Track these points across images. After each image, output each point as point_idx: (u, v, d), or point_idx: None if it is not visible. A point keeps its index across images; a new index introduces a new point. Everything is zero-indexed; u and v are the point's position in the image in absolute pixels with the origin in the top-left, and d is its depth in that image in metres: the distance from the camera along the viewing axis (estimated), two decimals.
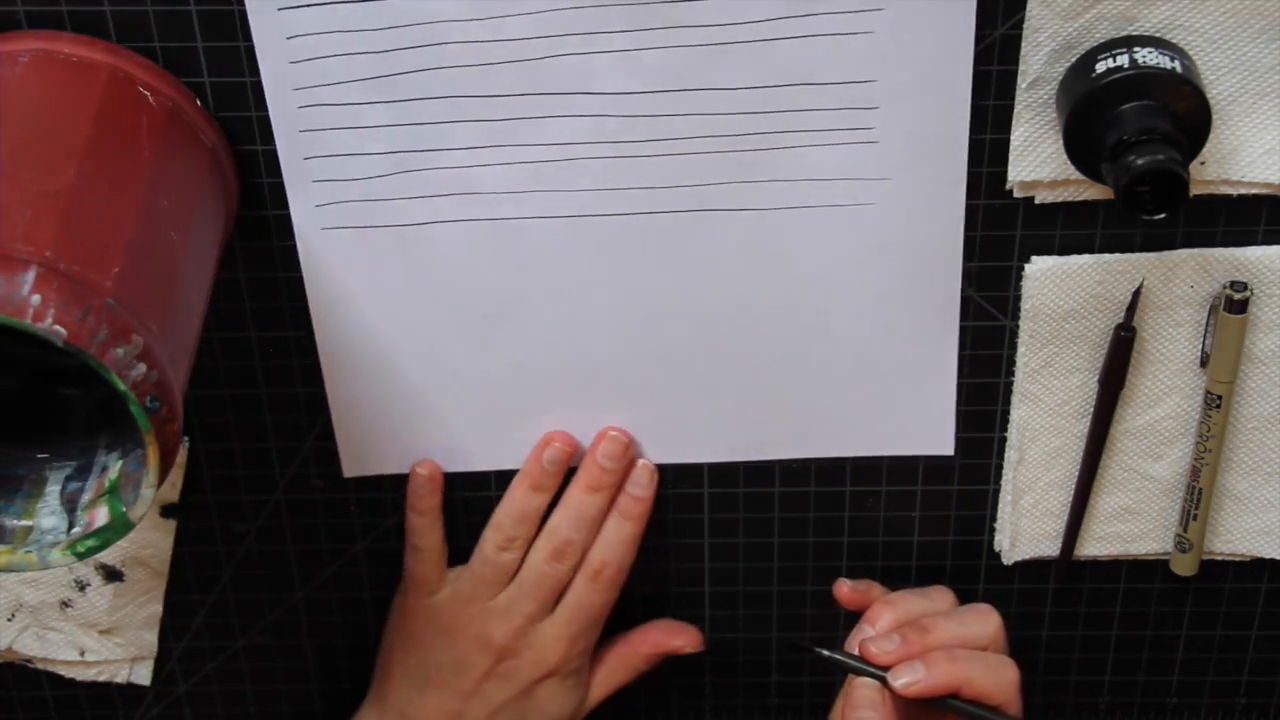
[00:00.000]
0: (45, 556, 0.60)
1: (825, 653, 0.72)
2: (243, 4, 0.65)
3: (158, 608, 0.81)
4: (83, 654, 0.81)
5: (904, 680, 0.70)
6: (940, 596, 0.76)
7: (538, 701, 0.78)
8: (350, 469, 0.78)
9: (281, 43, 0.65)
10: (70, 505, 0.61)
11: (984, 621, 0.73)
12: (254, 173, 0.69)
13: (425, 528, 0.77)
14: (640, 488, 0.76)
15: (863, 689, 0.71)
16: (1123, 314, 0.72)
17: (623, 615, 0.81)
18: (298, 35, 0.65)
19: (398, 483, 0.78)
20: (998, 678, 0.71)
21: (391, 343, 0.73)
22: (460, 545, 0.79)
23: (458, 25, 0.65)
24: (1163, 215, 0.63)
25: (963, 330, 0.73)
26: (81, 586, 0.79)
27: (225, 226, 0.68)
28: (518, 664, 0.77)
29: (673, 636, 0.81)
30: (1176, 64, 0.64)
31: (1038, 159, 0.68)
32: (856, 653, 0.72)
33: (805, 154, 0.68)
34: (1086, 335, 0.73)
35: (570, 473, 0.77)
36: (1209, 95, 0.65)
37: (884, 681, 0.70)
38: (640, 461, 0.76)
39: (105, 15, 0.65)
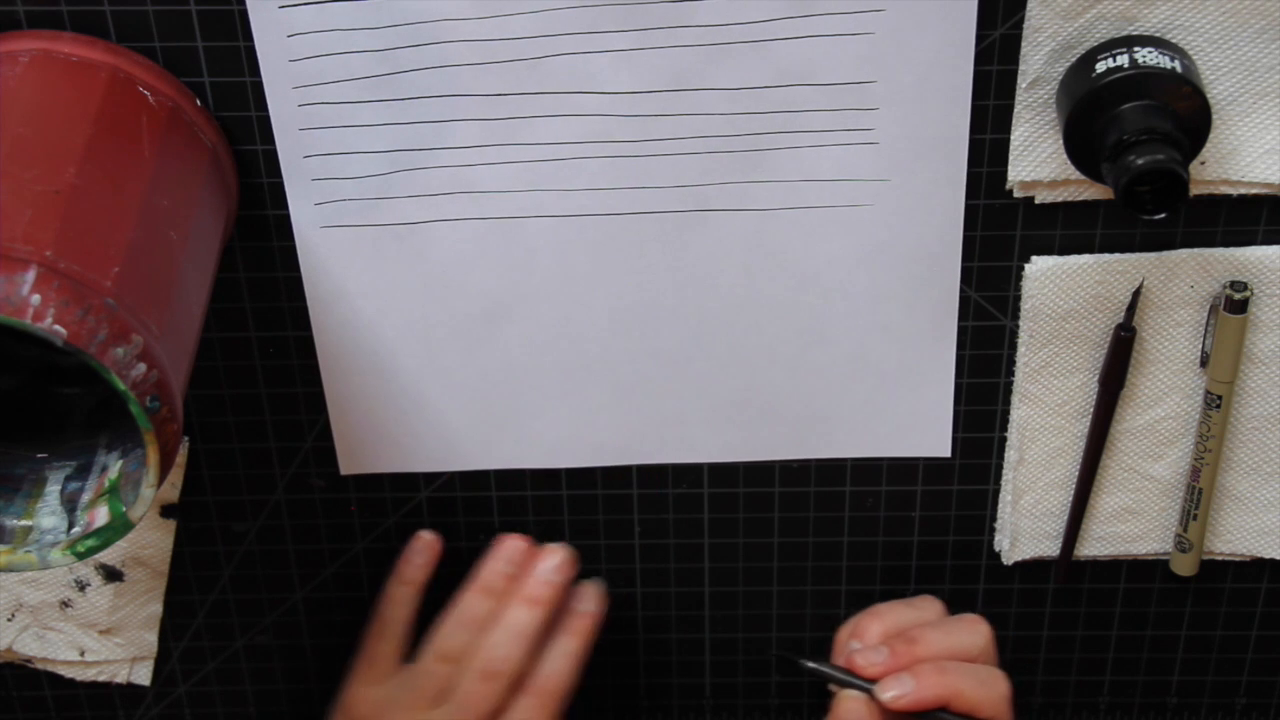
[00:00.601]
0: (45, 556, 0.60)
1: (810, 664, 0.71)
2: (243, 4, 0.65)
3: (158, 608, 0.81)
4: (83, 654, 0.81)
5: (892, 693, 0.69)
6: (928, 606, 0.74)
7: None
8: (347, 467, 0.78)
9: (281, 41, 0.65)
10: (70, 505, 0.61)
11: (974, 632, 0.72)
12: (254, 173, 0.69)
13: (402, 600, 0.77)
14: (588, 605, 0.76)
15: (849, 702, 0.70)
16: (1123, 314, 0.72)
17: (623, 615, 0.82)
18: (298, 33, 0.65)
19: (397, 482, 0.78)
20: (988, 690, 0.69)
21: (389, 340, 0.73)
22: (459, 545, 0.79)
23: (457, 24, 0.65)
24: (1163, 215, 0.63)
25: (962, 330, 0.73)
26: (81, 586, 0.79)
27: (225, 226, 0.68)
28: None
29: None
30: (1176, 64, 0.64)
31: (1038, 159, 0.68)
32: (843, 664, 0.71)
33: (805, 154, 0.68)
34: (1086, 335, 0.73)
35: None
36: (1209, 95, 0.65)
37: (871, 694, 0.69)
38: (590, 582, 0.76)
39: (105, 15, 0.65)
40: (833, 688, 0.71)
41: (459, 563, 0.79)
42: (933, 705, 0.69)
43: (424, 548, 0.77)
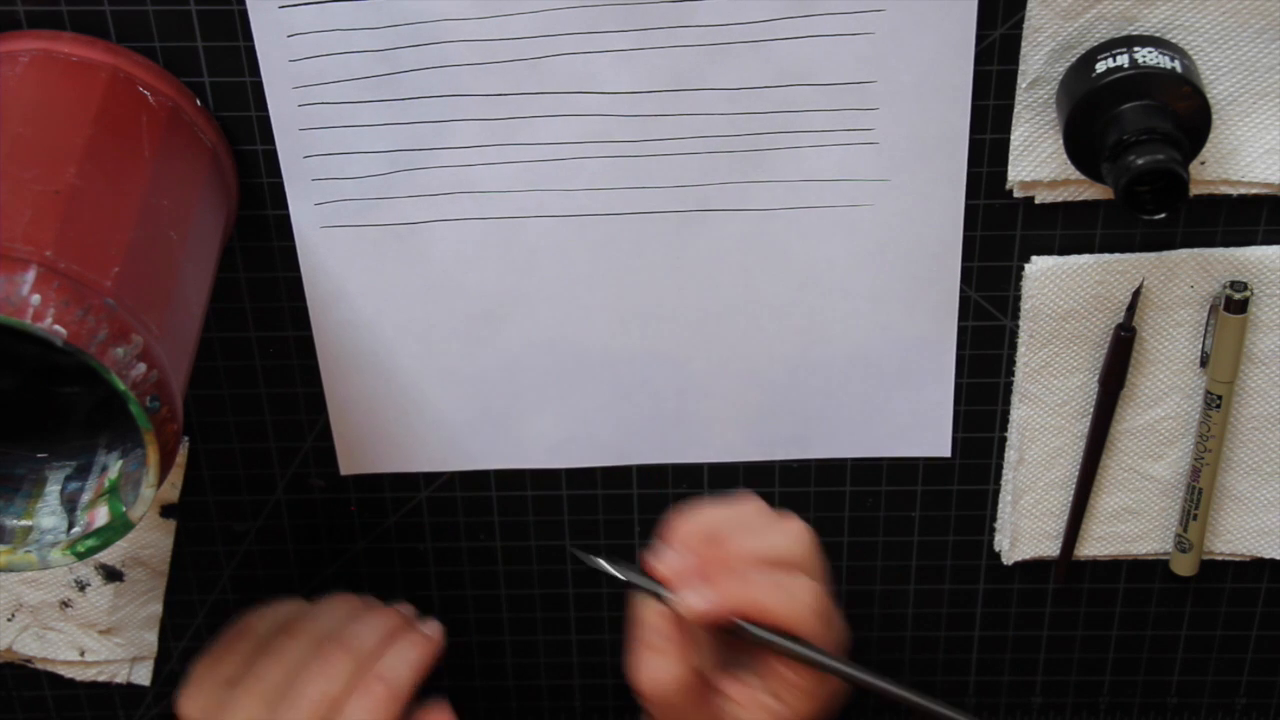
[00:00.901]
0: (45, 556, 0.60)
1: (604, 564, 0.66)
2: (243, 4, 0.65)
3: (158, 608, 0.81)
4: (82, 654, 0.81)
5: (688, 603, 0.63)
6: (746, 506, 0.68)
7: None
8: (347, 467, 0.78)
9: (282, 41, 0.65)
10: (70, 505, 0.61)
11: (788, 536, 0.66)
12: (254, 173, 0.69)
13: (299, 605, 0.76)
14: (433, 631, 0.75)
15: (648, 611, 0.65)
16: (1123, 314, 0.72)
17: (625, 615, 0.81)
18: (298, 33, 0.65)
19: (397, 482, 0.78)
20: (793, 602, 0.63)
21: (390, 340, 0.73)
22: (459, 545, 0.79)
23: (458, 24, 0.65)
24: (1163, 215, 0.64)
25: (962, 330, 0.73)
26: (81, 586, 0.79)
27: (225, 226, 0.68)
28: None
29: None
30: (1176, 64, 0.64)
31: (1038, 159, 0.68)
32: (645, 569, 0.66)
33: (805, 154, 0.68)
34: (1086, 335, 0.73)
35: None
36: (1209, 95, 0.65)
37: (669, 602, 0.64)
38: (431, 623, 0.75)
39: (105, 15, 0.65)
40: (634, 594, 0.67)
41: (458, 562, 0.79)
42: (729, 615, 0.64)
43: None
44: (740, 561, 0.64)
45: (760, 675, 0.65)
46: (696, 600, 0.63)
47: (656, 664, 0.64)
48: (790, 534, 0.66)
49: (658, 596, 0.64)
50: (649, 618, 0.64)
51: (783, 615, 0.63)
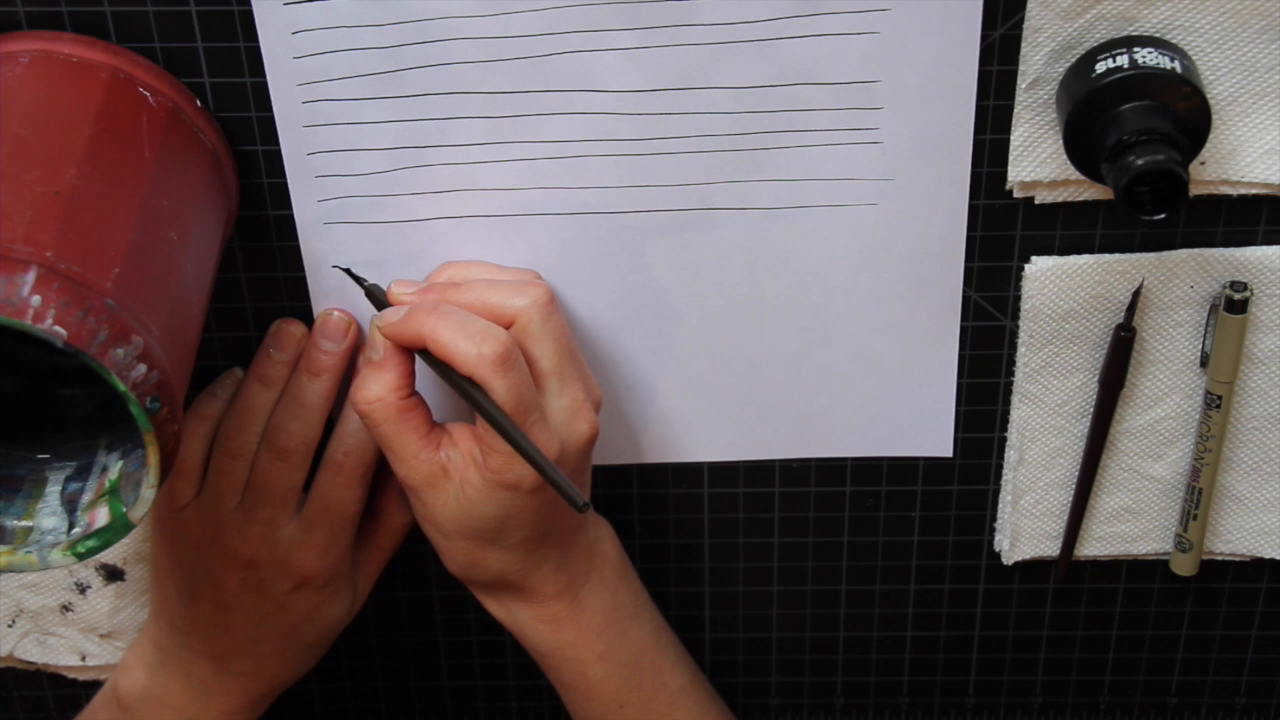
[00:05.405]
0: (45, 557, 0.60)
1: (357, 276, 0.69)
2: (244, 4, 0.65)
3: None
4: (84, 659, 0.81)
5: (383, 320, 0.66)
6: (515, 271, 0.70)
7: (297, 613, 0.74)
8: None
9: (286, 38, 0.65)
10: (70, 506, 0.61)
11: (516, 292, 0.66)
12: (254, 173, 0.69)
13: (195, 432, 0.72)
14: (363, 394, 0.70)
15: (372, 329, 0.67)
16: (1123, 314, 0.72)
17: None
18: (302, 30, 0.65)
19: None
20: (471, 345, 0.64)
21: None
22: None
23: (463, 21, 0.65)
24: (1163, 215, 0.64)
25: (963, 330, 0.73)
26: (82, 589, 0.79)
27: (225, 226, 0.68)
28: (267, 576, 0.72)
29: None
30: (1176, 64, 0.64)
31: (1038, 159, 0.68)
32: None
33: (809, 154, 0.68)
34: (1086, 335, 0.73)
35: None
36: (1209, 95, 0.65)
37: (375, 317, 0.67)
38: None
39: (105, 15, 0.65)
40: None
41: None
42: (410, 341, 0.66)
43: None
44: (461, 303, 0.66)
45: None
46: (391, 316, 0.66)
47: (365, 378, 0.67)
48: (520, 291, 0.67)
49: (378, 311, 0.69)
50: (371, 334, 0.68)
51: (456, 354, 0.64)
